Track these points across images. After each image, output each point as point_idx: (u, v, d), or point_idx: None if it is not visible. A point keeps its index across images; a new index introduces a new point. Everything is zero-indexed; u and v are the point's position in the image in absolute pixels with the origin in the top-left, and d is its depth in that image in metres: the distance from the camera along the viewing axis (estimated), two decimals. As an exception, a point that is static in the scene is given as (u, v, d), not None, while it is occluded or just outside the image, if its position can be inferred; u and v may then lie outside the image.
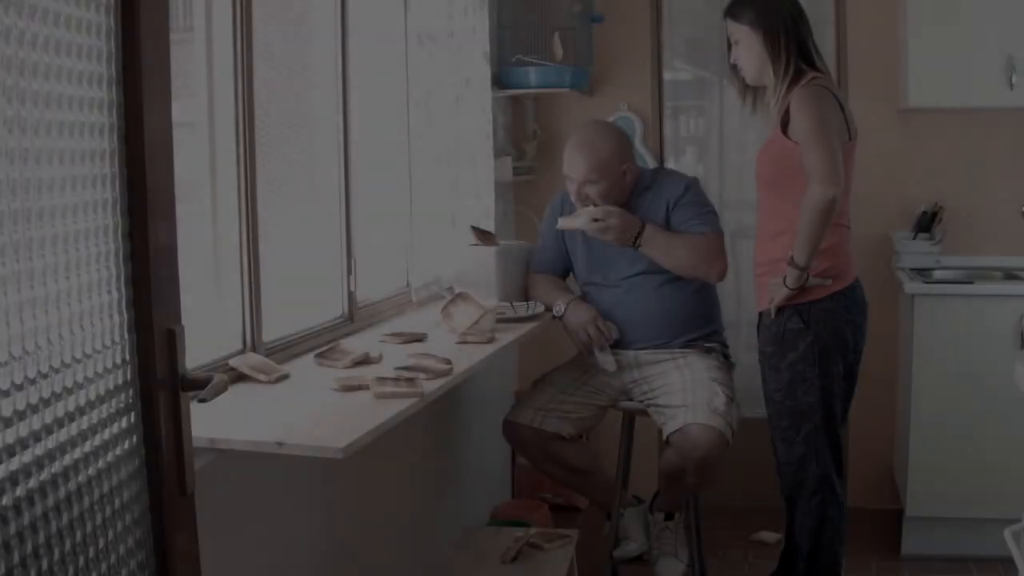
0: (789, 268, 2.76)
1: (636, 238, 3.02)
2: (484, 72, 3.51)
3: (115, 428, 1.34)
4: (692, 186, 3.13)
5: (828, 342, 2.82)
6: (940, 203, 3.93)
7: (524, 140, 4.23)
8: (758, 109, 3.01)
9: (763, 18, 2.84)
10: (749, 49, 2.88)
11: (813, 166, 2.68)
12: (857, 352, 2.91)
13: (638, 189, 3.12)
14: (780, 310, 2.85)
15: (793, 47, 2.83)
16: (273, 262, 2.37)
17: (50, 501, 1.19)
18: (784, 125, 2.80)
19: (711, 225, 3.08)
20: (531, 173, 4.20)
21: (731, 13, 2.92)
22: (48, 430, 1.19)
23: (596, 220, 2.98)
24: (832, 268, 2.82)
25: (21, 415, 1.14)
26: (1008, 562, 3.35)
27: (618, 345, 3.13)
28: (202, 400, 1.45)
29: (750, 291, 3.49)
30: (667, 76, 4.25)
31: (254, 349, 2.29)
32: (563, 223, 3.07)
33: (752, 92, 2.99)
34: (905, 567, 3.58)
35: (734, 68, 2.97)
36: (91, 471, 1.28)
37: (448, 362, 2.32)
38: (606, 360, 3.09)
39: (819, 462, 2.87)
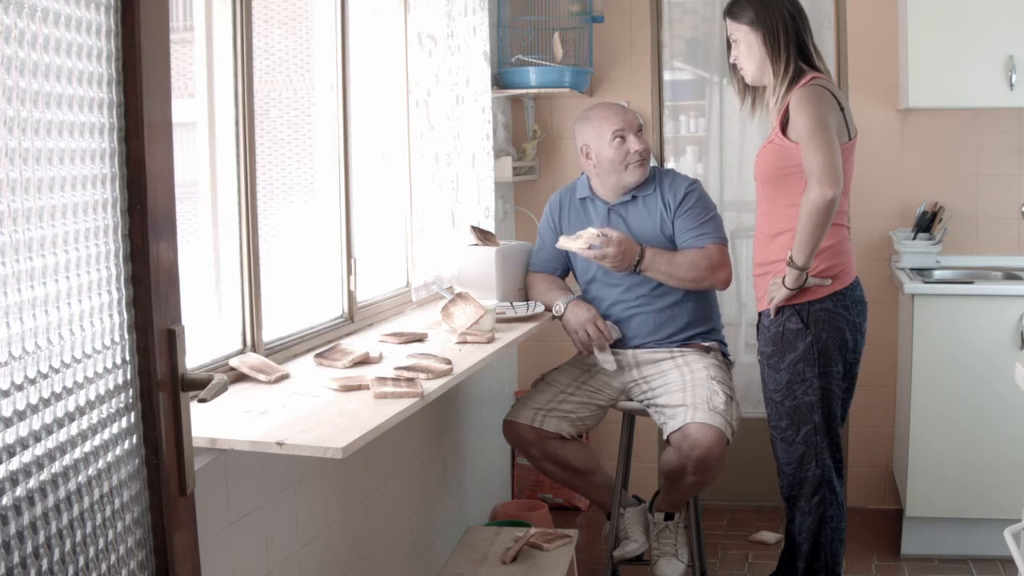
0: (788, 268, 2.76)
1: (636, 265, 3.04)
2: (484, 72, 3.51)
3: (115, 428, 1.34)
4: (694, 190, 3.14)
5: (827, 342, 2.82)
6: (940, 203, 3.93)
7: (524, 140, 4.23)
8: (757, 109, 3.01)
9: (763, 18, 2.83)
10: (749, 49, 2.87)
11: (812, 166, 2.68)
12: (857, 352, 2.90)
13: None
14: (779, 310, 2.85)
15: (793, 47, 2.83)
16: (273, 262, 2.38)
17: (50, 501, 1.19)
18: (783, 125, 2.80)
19: (713, 234, 3.09)
20: (531, 173, 4.20)
21: (731, 13, 2.92)
22: (48, 430, 1.19)
23: (592, 248, 2.99)
24: (832, 268, 2.82)
25: (21, 415, 1.14)
26: (1008, 562, 3.36)
27: (617, 344, 3.13)
28: (202, 400, 1.45)
29: (750, 291, 3.49)
30: (667, 76, 4.24)
31: (254, 349, 2.29)
32: (563, 242, 3.06)
33: (751, 92, 2.99)
34: (905, 567, 3.58)
35: (734, 68, 2.97)
36: (91, 471, 1.28)
37: (448, 362, 2.32)
38: (606, 360, 3.09)
39: (819, 462, 2.87)
